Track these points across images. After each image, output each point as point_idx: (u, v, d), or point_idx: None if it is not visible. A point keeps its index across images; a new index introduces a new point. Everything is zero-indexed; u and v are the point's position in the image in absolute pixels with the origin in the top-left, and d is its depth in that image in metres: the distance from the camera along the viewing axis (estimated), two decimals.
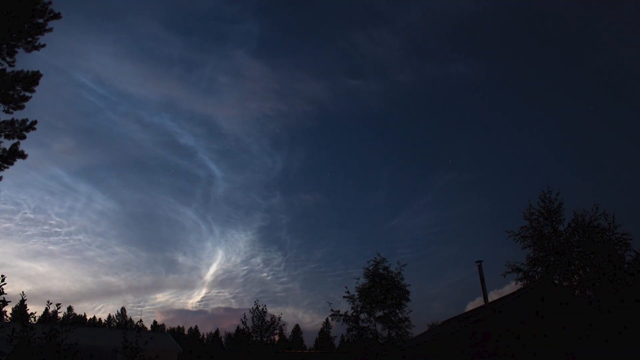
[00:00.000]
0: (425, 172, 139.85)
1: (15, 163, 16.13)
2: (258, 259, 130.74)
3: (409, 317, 23.25)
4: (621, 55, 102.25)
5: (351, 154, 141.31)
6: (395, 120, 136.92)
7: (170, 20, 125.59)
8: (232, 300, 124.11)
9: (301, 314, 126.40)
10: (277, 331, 27.14)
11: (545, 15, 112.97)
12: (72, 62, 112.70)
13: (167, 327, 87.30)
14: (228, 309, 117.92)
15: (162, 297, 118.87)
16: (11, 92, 16.00)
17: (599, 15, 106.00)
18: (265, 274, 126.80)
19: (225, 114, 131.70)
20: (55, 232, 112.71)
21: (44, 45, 16.56)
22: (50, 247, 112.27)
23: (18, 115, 16.29)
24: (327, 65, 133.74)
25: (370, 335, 23.30)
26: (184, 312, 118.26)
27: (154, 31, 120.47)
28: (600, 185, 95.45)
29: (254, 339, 26.52)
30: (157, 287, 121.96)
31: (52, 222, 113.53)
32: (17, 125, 16.09)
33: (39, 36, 16.39)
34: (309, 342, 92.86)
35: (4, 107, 16.09)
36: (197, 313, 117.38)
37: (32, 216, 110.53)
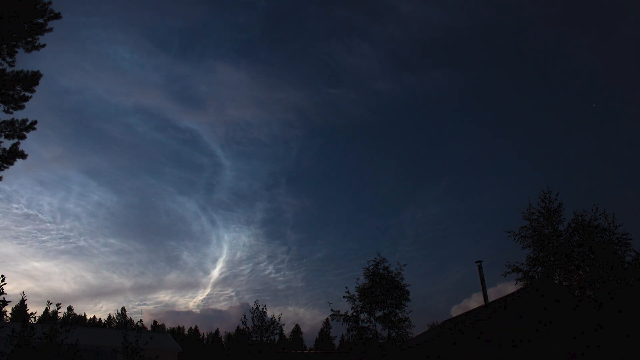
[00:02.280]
0: (425, 173, 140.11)
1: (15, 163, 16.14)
2: (263, 255, 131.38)
3: (409, 317, 23.28)
4: (618, 55, 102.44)
5: (348, 156, 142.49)
6: (387, 126, 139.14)
7: (151, 32, 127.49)
8: (235, 299, 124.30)
9: (303, 312, 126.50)
10: (277, 331, 27.11)
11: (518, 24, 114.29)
12: (56, 68, 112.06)
13: (167, 327, 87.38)
14: (231, 308, 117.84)
15: (164, 296, 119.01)
16: (11, 92, 16.00)
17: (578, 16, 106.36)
18: (268, 272, 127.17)
19: (205, 120, 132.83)
20: (54, 228, 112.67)
21: (44, 45, 16.58)
22: (49, 245, 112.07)
23: (18, 115, 16.32)
24: (307, 75, 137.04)
25: (370, 335, 23.31)
26: (184, 312, 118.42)
27: (136, 43, 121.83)
28: (600, 185, 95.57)
29: (254, 339, 26.50)
30: (160, 285, 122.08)
31: (50, 217, 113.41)
32: (17, 125, 16.10)
33: (39, 36, 16.39)
34: (309, 342, 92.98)
35: (4, 107, 16.10)
36: (199, 312, 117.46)
37: (26, 211, 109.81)
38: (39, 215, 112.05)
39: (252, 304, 51.74)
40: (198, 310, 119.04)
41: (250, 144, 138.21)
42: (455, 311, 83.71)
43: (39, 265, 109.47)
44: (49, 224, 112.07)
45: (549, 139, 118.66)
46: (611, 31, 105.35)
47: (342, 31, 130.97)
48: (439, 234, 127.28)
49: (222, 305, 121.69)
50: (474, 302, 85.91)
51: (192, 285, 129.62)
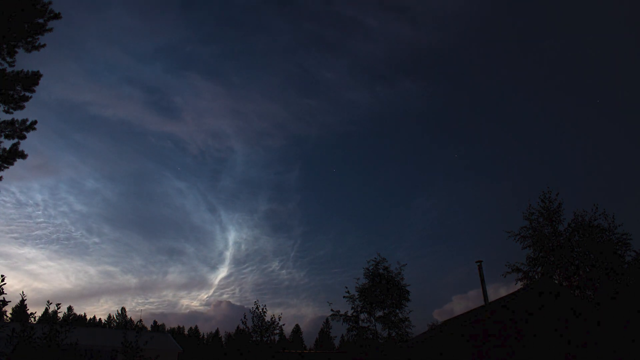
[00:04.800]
0: (425, 173, 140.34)
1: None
2: (267, 252, 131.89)
3: (409, 317, 23.29)
4: (618, 54, 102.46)
5: (348, 157, 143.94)
6: (385, 129, 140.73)
7: (130, 46, 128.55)
8: (238, 296, 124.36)
9: (306, 309, 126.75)
10: (277, 331, 27.09)
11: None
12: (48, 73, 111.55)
13: (167, 327, 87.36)
14: (233, 307, 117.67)
15: (166, 294, 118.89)
16: (11, 92, 15.99)
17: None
18: (272, 269, 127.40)
19: (185, 129, 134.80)
20: (49, 222, 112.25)
21: (44, 45, 16.55)
22: (45, 240, 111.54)
23: (18, 115, 16.31)
24: (279, 86, 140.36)
25: (370, 335, 23.31)
26: (186, 311, 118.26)
27: (116, 55, 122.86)
28: (600, 185, 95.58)
29: (254, 339, 26.49)
30: (162, 282, 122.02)
31: (44, 212, 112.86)
32: (17, 125, 16.08)
33: (39, 36, 16.38)
34: (309, 342, 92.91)
35: (4, 107, 16.09)
36: (200, 312, 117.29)
37: (19, 205, 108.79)
38: (33, 210, 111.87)
39: (253, 304, 51.64)
40: (200, 309, 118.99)
41: (229, 150, 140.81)
42: (439, 315, 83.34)
43: (35, 260, 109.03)
44: (42, 219, 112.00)
45: (549, 139, 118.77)
46: (613, 28, 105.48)
47: (312, 45, 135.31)
48: (440, 233, 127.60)
49: (224, 304, 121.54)
50: (458, 305, 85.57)
51: (195, 283, 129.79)
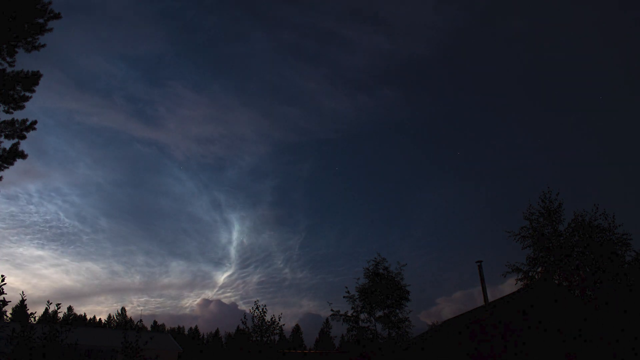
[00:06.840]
0: (426, 172, 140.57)
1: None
2: (272, 250, 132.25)
3: (409, 317, 23.29)
4: (619, 54, 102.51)
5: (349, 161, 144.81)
6: (385, 130, 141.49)
7: (114, 56, 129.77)
8: (242, 294, 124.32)
9: (306, 306, 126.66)
10: (277, 331, 27.06)
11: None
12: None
13: (167, 327, 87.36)
14: (232, 307, 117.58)
15: (167, 293, 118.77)
16: (11, 92, 15.99)
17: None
18: (275, 267, 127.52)
19: (169, 137, 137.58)
20: (49, 221, 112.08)
21: (44, 45, 16.56)
22: (41, 236, 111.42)
23: (18, 115, 16.32)
24: (260, 95, 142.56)
25: (370, 335, 23.31)
26: (187, 311, 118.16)
27: (99, 64, 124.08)
28: (600, 185, 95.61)
29: (253, 339, 26.47)
30: (163, 281, 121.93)
31: (41, 208, 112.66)
32: (17, 125, 16.08)
33: (39, 36, 16.38)
34: (309, 342, 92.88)
35: (4, 107, 16.09)
36: (201, 310, 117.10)
37: (12, 201, 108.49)
38: (26, 205, 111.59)
39: (254, 303, 51.63)
40: (200, 308, 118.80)
41: (213, 156, 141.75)
42: (425, 316, 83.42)
43: (34, 258, 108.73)
44: (39, 216, 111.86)
45: (549, 139, 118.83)
46: (610, 27, 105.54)
47: (291, 55, 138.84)
48: (440, 233, 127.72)
49: (225, 303, 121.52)
50: (445, 308, 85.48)
51: (196, 282, 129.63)
